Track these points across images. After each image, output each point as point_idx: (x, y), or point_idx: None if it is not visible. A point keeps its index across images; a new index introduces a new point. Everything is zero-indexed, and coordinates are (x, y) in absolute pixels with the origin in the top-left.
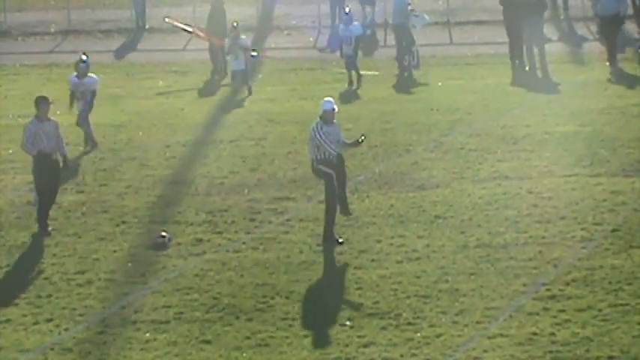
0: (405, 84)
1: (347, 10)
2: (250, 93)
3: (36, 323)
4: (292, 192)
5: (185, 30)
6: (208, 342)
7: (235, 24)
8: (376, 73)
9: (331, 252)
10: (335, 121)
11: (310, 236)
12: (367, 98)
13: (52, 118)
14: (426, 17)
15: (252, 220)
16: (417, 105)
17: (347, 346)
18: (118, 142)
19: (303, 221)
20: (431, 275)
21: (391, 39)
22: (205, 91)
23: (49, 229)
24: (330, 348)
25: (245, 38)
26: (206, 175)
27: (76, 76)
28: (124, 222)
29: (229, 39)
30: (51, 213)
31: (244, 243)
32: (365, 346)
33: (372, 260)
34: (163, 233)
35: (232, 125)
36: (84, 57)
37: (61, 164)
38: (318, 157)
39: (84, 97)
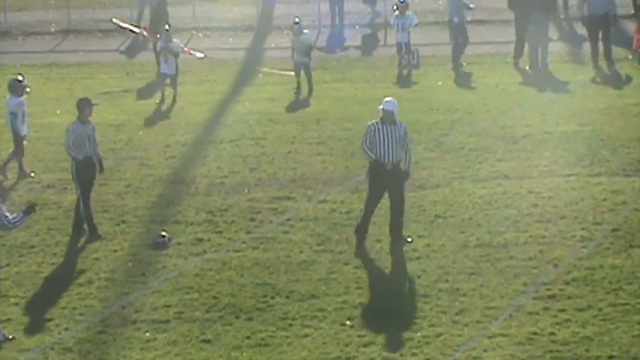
0: (404, 83)
1: (296, 20)
2: (176, 100)
3: (36, 323)
4: (292, 192)
5: (132, 31)
6: (208, 341)
7: (168, 27)
8: (291, 73)
9: (331, 252)
10: (398, 123)
11: (310, 236)
12: (367, 98)
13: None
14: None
15: (252, 219)
16: (416, 104)
17: (347, 345)
18: (117, 141)
19: (303, 221)
20: (431, 275)
21: (391, 39)
22: (144, 92)
23: (164, 234)
24: (330, 347)
25: (177, 42)
26: (206, 175)
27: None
28: (123, 221)
29: (161, 41)
30: (50, 212)
31: (244, 242)
32: (365, 345)
33: (372, 260)
34: (163, 233)
35: (232, 125)
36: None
37: (98, 168)
38: (372, 160)
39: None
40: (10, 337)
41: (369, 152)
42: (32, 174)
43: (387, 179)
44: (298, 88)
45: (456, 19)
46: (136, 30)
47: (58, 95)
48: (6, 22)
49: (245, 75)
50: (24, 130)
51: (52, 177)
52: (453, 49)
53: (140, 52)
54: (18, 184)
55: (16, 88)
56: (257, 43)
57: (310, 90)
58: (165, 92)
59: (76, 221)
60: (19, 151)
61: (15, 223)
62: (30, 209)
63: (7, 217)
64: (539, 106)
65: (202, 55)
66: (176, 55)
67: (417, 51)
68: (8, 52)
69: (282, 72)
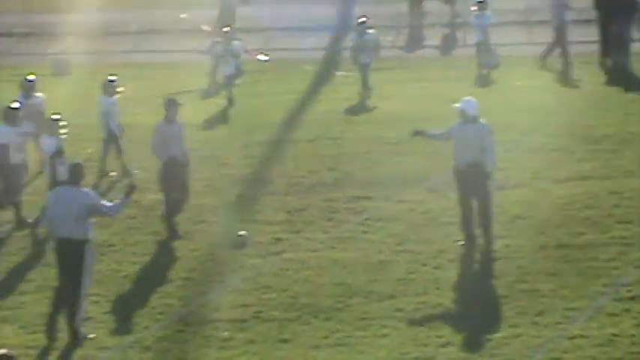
0: (483, 83)
1: (360, 20)
2: (232, 103)
3: (116, 321)
4: (370, 191)
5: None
6: (286, 341)
7: (228, 28)
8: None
9: (409, 252)
10: (482, 122)
11: (389, 236)
12: (446, 98)
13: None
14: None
15: (330, 219)
16: (495, 104)
17: (425, 346)
18: (196, 140)
19: (382, 221)
20: (510, 275)
21: (470, 38)
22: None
23: (242, 233)
24: (408, 348)
25: (238, 44)
26: (284, 174)
27: (24, 95)
28: (202, 221)
29: (223, 44)
30: (130, 212)
31: (322, 242)
32: (443, 346)
33: (451, 260)
34: (242, 232)
35: (311, 124)
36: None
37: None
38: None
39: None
40: (91, 336)
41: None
42: (112, 174)
43: (463, 179)
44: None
45: (557, 20)
46: (206, 28)
47: (136, 95)
48: (87, 22)
49: (323, 75)
50: (116, 129)
51: (141, 179)
52: (562, 49)
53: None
54: (101, 182)
55: (109, 88)
56: (335, 43)
57: (364, 91)
58: (234, 92)
59: (169, 225)
60: (109, 150)
61: (114, 209)
62: (129, 192)
63: (105, 205)
64: (620, 106)
65: (266, 58)
66: (237, 57)
67: (496, 50)
68: (90, 52)
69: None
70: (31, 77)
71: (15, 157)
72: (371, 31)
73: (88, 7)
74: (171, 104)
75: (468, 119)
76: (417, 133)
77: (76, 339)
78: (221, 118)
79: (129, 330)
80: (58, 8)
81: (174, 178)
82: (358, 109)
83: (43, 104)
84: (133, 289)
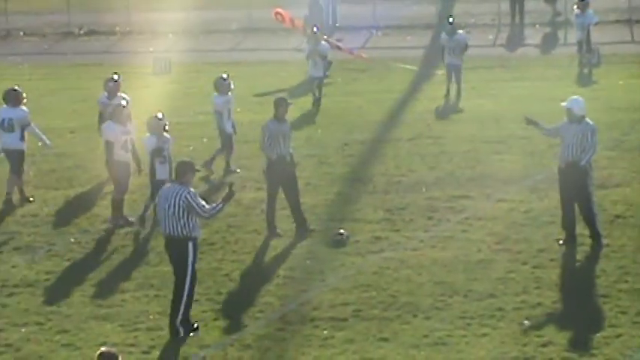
0: (584, 82)
1: (450, 19)
2: (319, 103)
3: (216, 319)
4: (471, 190)
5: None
6: (386, 340)
7: (315, 29)
8: (414, 67)
9: (509, 251)
10: (587, 121)
11: (489, 235)
12: (547, 97)
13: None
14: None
15: (430, 218)
16: (597, 103)
17: (525, 345)
18: (296, 139)
19: (482, 220)
20: (610, 275)
21: (571, 37)
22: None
23: (278, 230)
24: (508, 347)
25: (325, 44)
26: (384, 173)
27: (107, 96)
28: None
29: (309, 44)
30: (230, 210)
31: (422, 241)
32: (544, 345)
33: (551, 259)
34: (341, 231)
35: (411, 123)
36: (115, 76)
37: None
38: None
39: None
40: (195, 325)
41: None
42: (238, 170)
43: (564, 178)
44: (448, 93)
45: None
46: (291, 23)
47: (237, 93)
48: (188, 20)
49: (424, 73)
50: (229, 127)
51: (241, 176)
52: None
53: None
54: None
55: (222, 86)
56: (436, 41)
57: (459, 94)
58: (321, 93)
59: (297, 219)
60: (224, 149)
61: (208, 212)
62: (227, 198)
63: (203, 206)
64: None
65: (366, 56)
66: (324, 58)
67: (597, 49)
68: (191, 50)
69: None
70: (115, 77)
71: (120, 155)
72: (461, 31)
73: (188, 5)
74: (281, 103)
75: (574, 119)
76: (530, 122)
77: (176, 335)
78: (321, 117)
79: (229, 328)
80: (159, 7)
81: (280, 177)
82: (459, 107)
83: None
84: (233, 288)
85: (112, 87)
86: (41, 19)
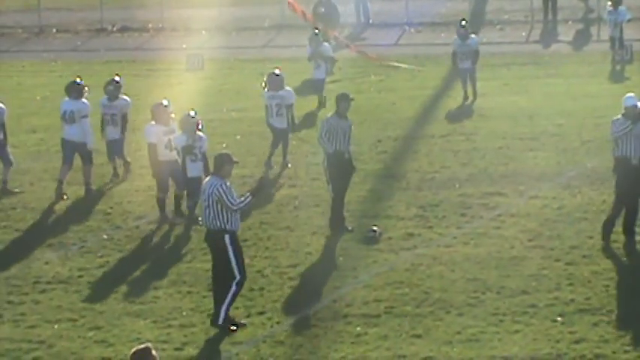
0: (617, 79)
1: (462, 22)
2: (324, 105)
3: (248, 316)
4: (504, 187)
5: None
6: (419, 336)
7: (317, 31)
8: (421, 68)
9: (542, 248)
10: None
11: (522, 232)
12: (580, 93)
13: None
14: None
15: (463, 215)
16: None
17: (558, 342)
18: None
19: (515, 217)
20: None
21: (604, 34)
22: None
23: (350, 228)
24: (541, 344)
25: (328, 46)
26: (417, 170)
27: (107, 99)
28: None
29: (311, 47)
30: (264, 206)
31: (455, 238)
32: (576, 342)
33: (584, 256)
34: (375, 227)
35: (443, 120)
36: (116, 78)
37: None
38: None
39: (114, 122)
40: (243, 321)
41: (618, 150)
42: (289, 165)
43: (635, 173)
44: (465, 98)
45: None
46: (303, 15)
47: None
48: (221, 17)
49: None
50: (276, 123)
51: (264, 171)
52: None
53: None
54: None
55: (272, 82)
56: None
57: (474, 98)
58: (324, 96)
59: (332, 217)
60: (277, 144)
61: (240, 204)
62: (255, 191)
63: (234, 198)
64: None
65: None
66: (326, 60)
67: (630, 46)
68: (223, 47)
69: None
70: (117, 79)
71: (165, 155)
72: (473, 35)
73: (221, 2)
74: (343, 98)
75: (632, 116)
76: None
77: (215, 322)
78: (353, 113)
79: (261, 325)
80: (192, 3)
81: (340, 172)
82: (492, 104)
83: (129, 106)
84: (266, 284)
85: (112, 90)
86: (74, 16)
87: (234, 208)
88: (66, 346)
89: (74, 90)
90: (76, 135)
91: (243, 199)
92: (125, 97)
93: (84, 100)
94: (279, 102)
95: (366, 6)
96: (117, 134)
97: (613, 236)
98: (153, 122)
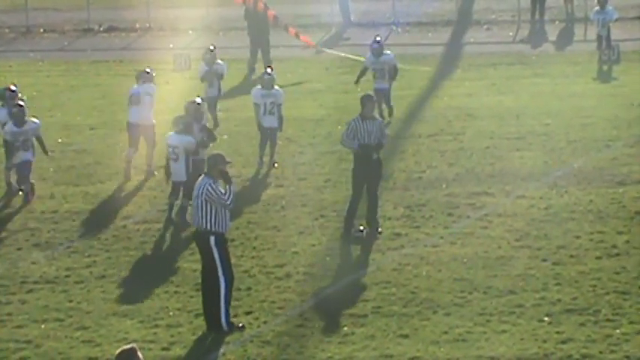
0: (604, 79)
1: (377, 38)
2: (217, 124)
3: (235, 316)
4: (490, 187)
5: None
6: (406, 336)
7: (212, 47)
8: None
9: (529, 247)
10: None
11: (508, 231)
12: (567, 93)
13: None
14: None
15: (450, 214)
16: (616, 100)
17: (545, 342)
18: (317, 136)
19: (502, 216)
20: (631, 272)
21: (591, 34)
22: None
23: (361, 229)
24: (528, 344)
25: (222, 64)
26: (404, 170)
27: (15, 124)
28: (322, 216)
29: (206, 65)
30: (250, 207)
31: (442, 238)
32: (563, 342)
33: (571, 256)
34: (361, 227)
35: (431, 120)
36: (12, 87)
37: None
38: None
39: (24, 146)
40: (241, 324)
41: None
42: (276, 165)
43: None
44: (381, 116)
45: None
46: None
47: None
48: (208, 17)
49: (443, 70)
50: (265, 122)
51: (251, 171)
52: None
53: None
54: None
55: (262, 80)
56: (456, 38)
57: (390, 114)
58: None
59: (374, 216)
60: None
61: (230, 196)
62: (225, 176)
63: (223, 194)
64: None
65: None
66: (220, 78)
67: (617, 46)
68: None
69: (353, 56)
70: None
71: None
72: (388, 52)
73: (208, 2)
74: (367, 100)
75: None
76: None
77: (217, 331)
78: (342, 113)
79: (248, 324)
80: (179, 3)
81: (365, 170)
82: (479, 104)
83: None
84: (253, 284)
85: (18, 113)
86: (61, 16)
87: (229, 202)
88: (53, 346)
89: (143, 77)
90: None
91: (224, 191)
92: (34, 119)
93: (152, 84)
94: (272, 100)
95: (347, 5)
96: (29, 156)
97: (599, 235)
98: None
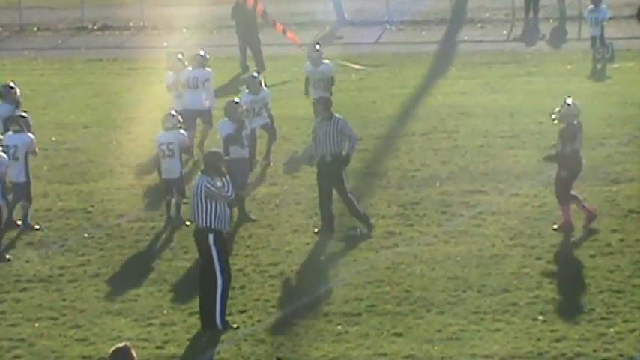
0: (598, 77)
1: (317, 46)
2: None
3: (229, 314)
4: (484, 185)
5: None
6: (400, 334)
7: (181, 55)
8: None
9: (523, 246)
10: None
11: (502, 230)
12: (561, 92)
13: None
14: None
15: (443, 213)
16: (610, 98)
17: (539, 340)
18: (310, 134)
19: (495, 215)
20: (624, 270)
21: (585, 32)
22: None
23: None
24: (522, 342)
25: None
26: (398, 168)
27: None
28: (316, 214)
29: (173, 73)
30: (245, 205)
31: (436, 236)
32: (557, 340)
33: (565, 254)
34: (357, 228)
35: (424, 118)
36: (11, 84)
37: None
38: None
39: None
40: (235, 325)
41: None
42: (271, 163)
43: None
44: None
45: None
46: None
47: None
48: (202, 15)
49: (437, 68)
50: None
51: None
52: None
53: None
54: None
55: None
56: (450, 36)
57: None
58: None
59: (356, 217)
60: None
61: (229, 188)
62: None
63: (222, 188)
64: None
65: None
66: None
67: (611, 44)
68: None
69: (358, 65)
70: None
71: (236, 152)
72: (327, 61)
73: (202, 0)
74: (318, 101)
75: None
76: None
77: (213, 329)
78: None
79: (242, 323)
80: (172, 2)
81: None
82: (473, 102)
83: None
84: (247, 282)
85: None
86: (55, 14)
87: (229, 194)
88: (47, 345)
89: (198, 61)
90: (198, 102)
91: (222, 185)
92: (29, 134)
93: (208, 68)
94: (261, 104)
95: (341, 3)
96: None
97: (593, 234)
98: (226, 119)
